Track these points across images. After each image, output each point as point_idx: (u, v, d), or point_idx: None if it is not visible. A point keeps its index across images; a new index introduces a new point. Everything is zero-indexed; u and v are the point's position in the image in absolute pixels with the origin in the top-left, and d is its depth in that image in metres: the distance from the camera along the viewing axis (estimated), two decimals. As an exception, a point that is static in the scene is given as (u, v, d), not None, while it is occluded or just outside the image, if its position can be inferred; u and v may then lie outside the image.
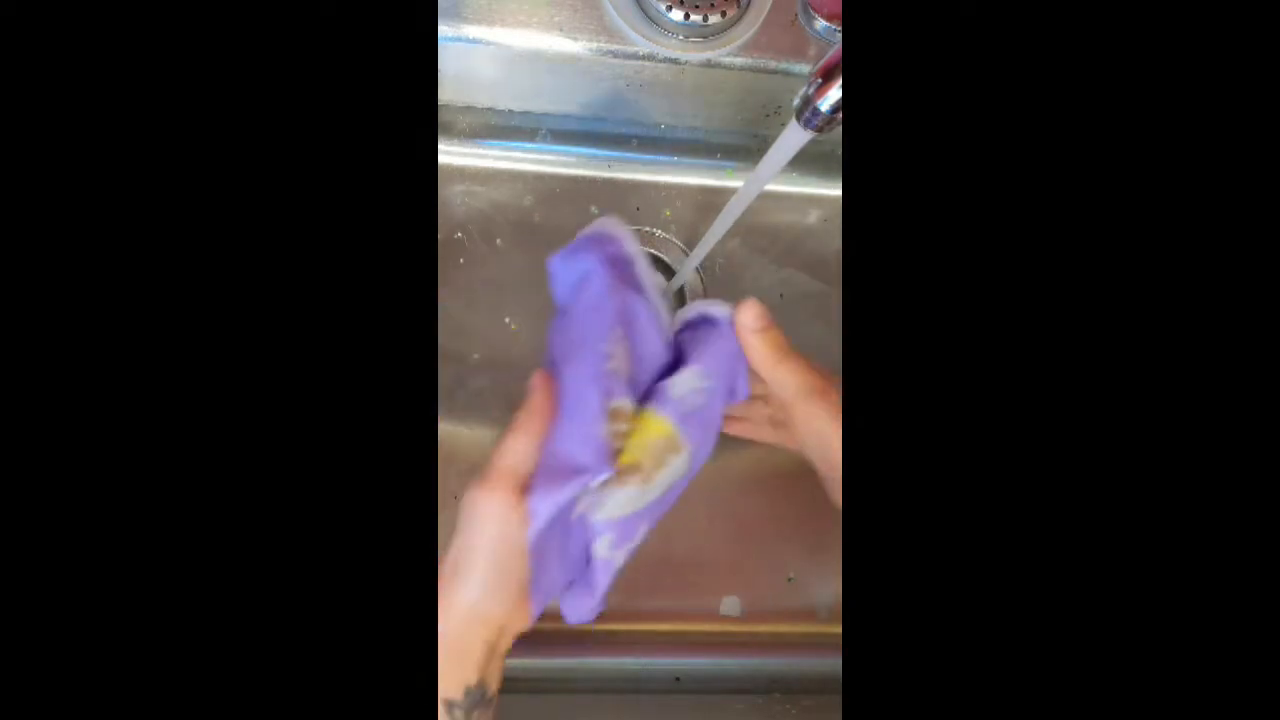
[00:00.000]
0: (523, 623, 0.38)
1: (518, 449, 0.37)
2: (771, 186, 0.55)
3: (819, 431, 0.40)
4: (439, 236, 0.57)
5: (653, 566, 0.54)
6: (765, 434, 0.50)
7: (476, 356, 0.55)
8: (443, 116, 0.58)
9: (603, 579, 0.40)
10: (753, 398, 0.47)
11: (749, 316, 0.41)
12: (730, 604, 0.55)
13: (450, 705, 0.35)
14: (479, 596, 0.36)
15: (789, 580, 0.56)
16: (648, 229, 0.59)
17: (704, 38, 0.50)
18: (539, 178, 0.59)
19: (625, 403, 0.39)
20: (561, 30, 0.50)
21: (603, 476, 0.37)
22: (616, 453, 0.39)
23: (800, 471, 0.54)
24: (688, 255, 0.55)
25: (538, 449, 0.37)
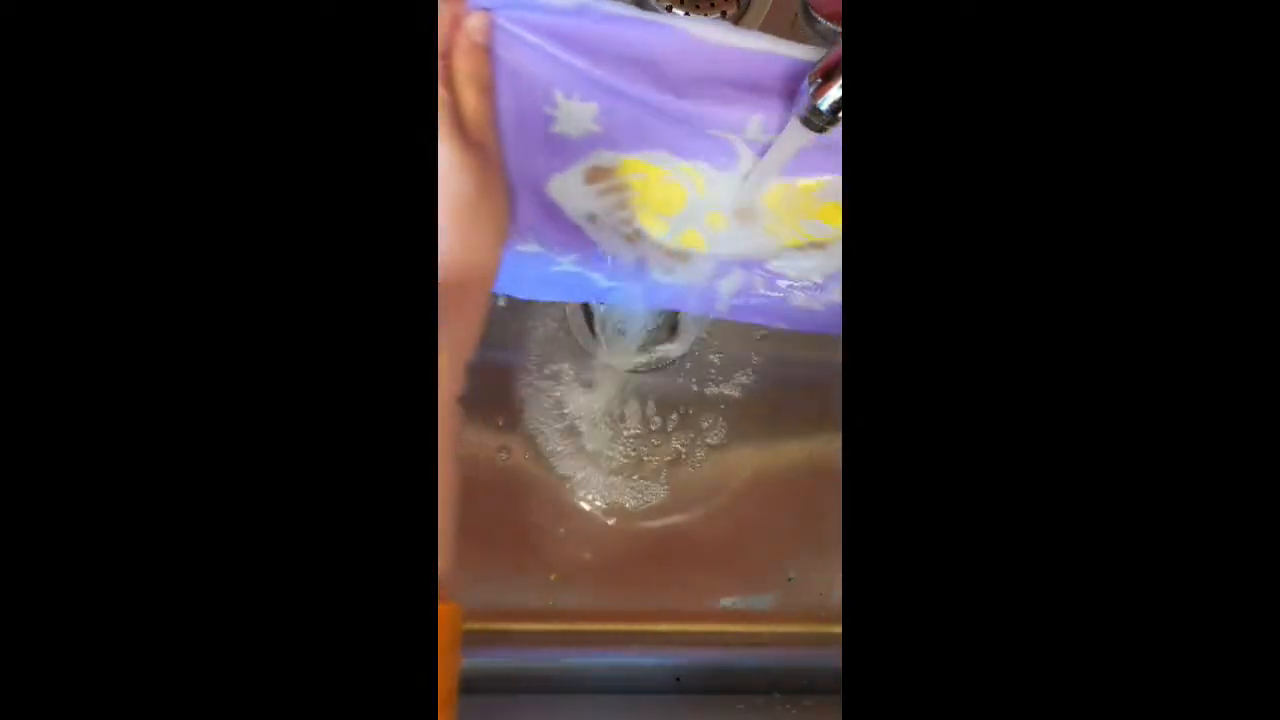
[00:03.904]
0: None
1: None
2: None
3: None
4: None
5: (653, 566, 0.54)
6: None
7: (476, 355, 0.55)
8: (443, 116, 0.58)
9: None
10: None
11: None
12: None
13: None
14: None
15: (789, 580, 0.56)
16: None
17: (704, 38, 0.50)
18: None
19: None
20: (561, 30, 0.50)
21: None
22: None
23: (800, 471, 0.54)
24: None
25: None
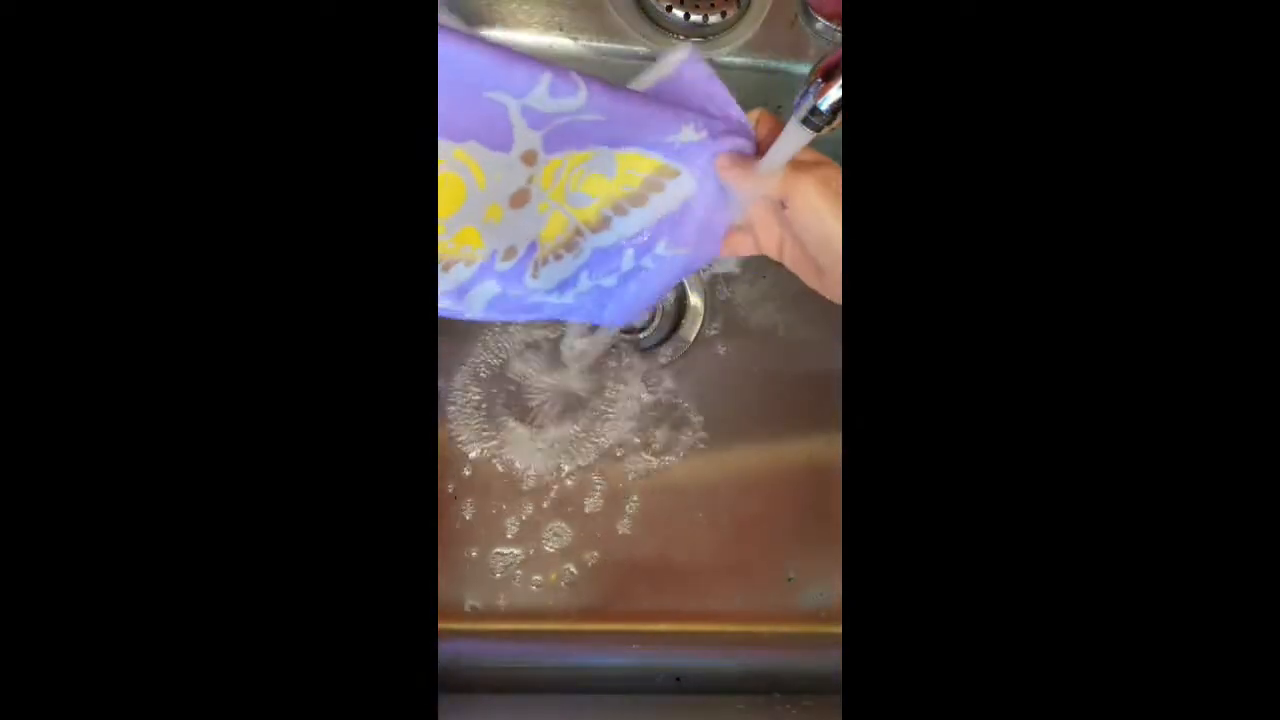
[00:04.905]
0: None
1: None
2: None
3: (814, 209, 0.37)
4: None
5: (653, 567, 0.54)
6: (747, 245, 0.45)
7: (476, 357, 0.55)
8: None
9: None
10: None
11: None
12: None
13: None
14: None
15: (789, 580, 0.56)
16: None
17: (704, 38, 0.50)
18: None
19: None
20: (561, 30, 0.50)
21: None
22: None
23: (800, 471, 0.54)
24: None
25: None
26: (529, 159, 0.40)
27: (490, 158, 0.39)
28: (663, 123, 0.40)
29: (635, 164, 0.41)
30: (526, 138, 0.39)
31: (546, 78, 0.37)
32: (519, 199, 0.41)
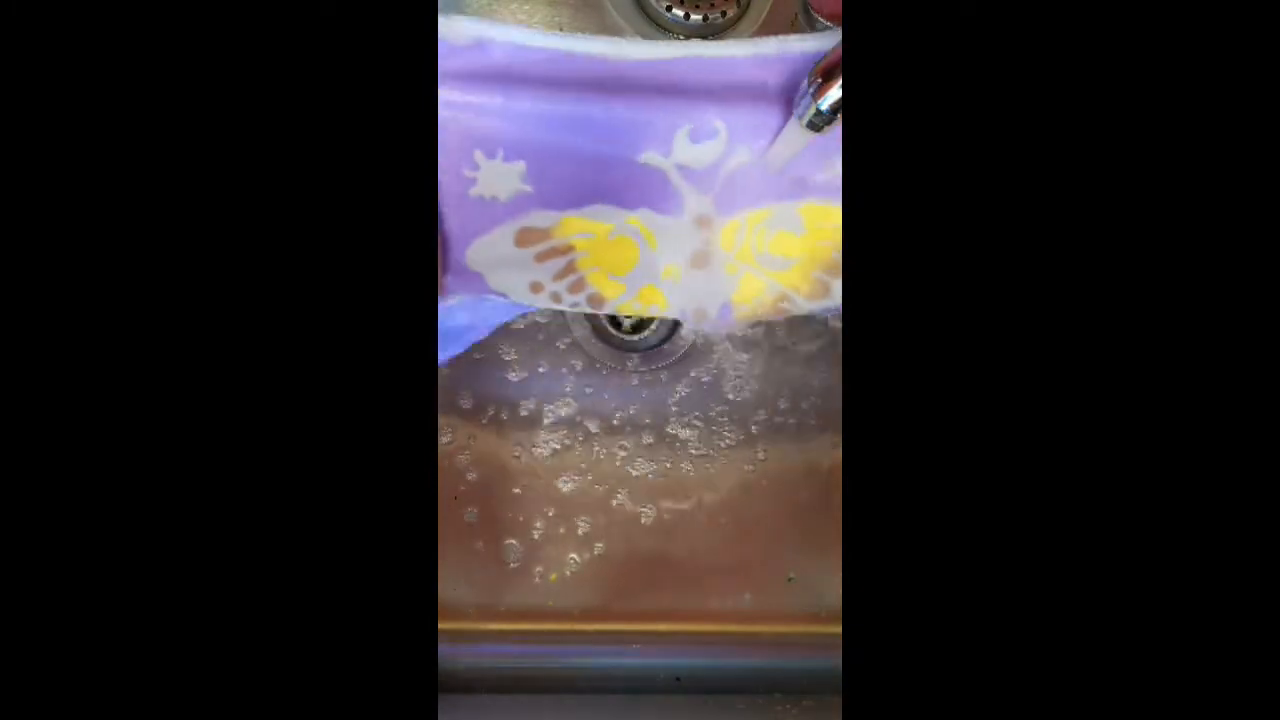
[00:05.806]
0: None
1: None
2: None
3: None
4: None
5: (653, 566, 0.54)
6: None
7: (476, 358, 0.55)
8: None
9: None
10: None
11: None
12: None
13: None
14: None
15: (789, 580, 0.56)
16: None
17: (704, 38, 0.50)
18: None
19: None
20: (561, 30, 0.50)
21: None
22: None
23: (800, 471, 0.54)
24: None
25: None
26: (703, 223, 0.40)
27: (660, 221, 0.40)
28: (813, 154, 0.39)
29: (823, 216, 0.40)
30: (696, 202, 0.39)
31: (685, 130, 0.37)
32: (699, 260, 0.41)
